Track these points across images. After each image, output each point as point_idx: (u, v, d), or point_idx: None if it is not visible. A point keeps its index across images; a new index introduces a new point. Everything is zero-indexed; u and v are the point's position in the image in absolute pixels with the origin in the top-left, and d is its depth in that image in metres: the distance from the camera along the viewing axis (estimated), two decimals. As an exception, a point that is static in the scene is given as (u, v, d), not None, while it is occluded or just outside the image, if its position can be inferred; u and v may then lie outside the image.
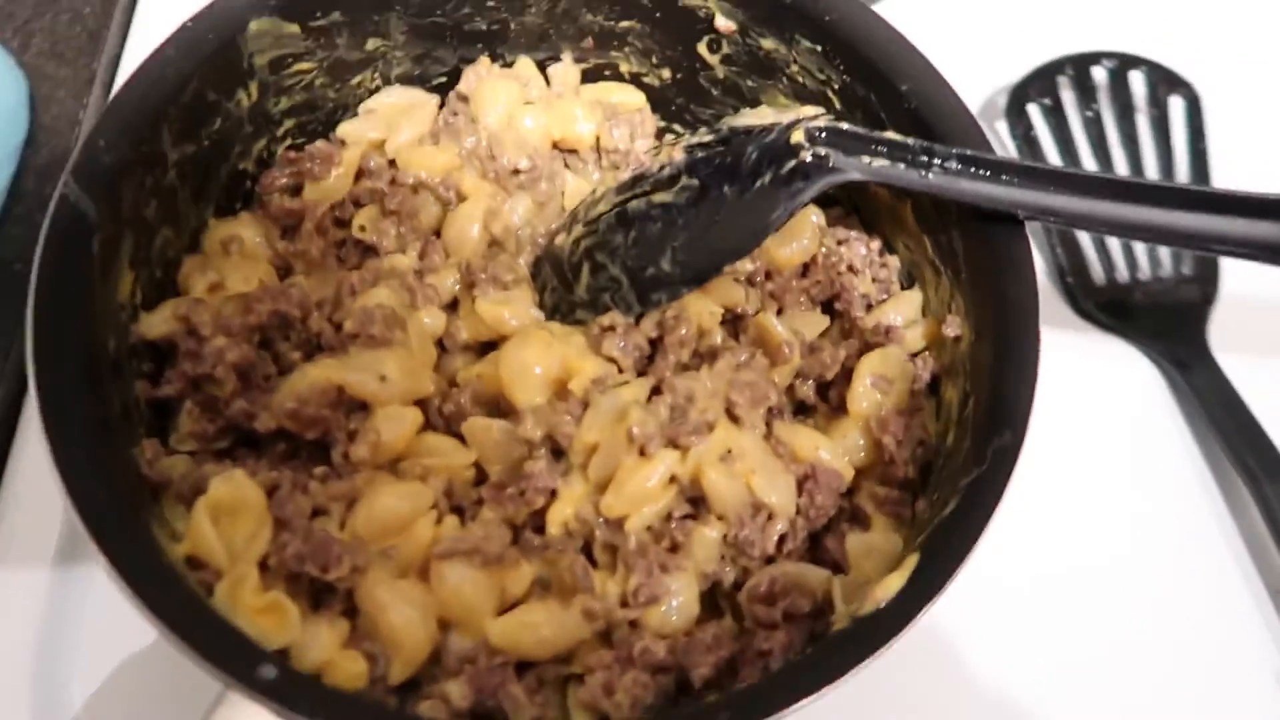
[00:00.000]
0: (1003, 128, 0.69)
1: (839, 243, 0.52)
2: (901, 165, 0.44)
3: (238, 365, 0.45)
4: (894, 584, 0.36)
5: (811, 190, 0.45)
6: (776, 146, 0.46)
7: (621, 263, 0.49)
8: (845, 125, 0.46)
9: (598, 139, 0.57)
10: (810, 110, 0.49)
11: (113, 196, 0.42)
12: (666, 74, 0.58)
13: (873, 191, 0.52)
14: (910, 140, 0.45)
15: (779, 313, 0.49)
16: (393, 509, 0.42)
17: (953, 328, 0.46)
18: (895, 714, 0.47)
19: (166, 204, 0.47)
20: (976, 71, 0.70)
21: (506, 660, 0.40)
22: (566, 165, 0.58)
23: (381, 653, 0.39)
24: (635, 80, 0.59)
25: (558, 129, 0.56)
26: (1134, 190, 0.42)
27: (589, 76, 0.59)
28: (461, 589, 0.40)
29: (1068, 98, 0.69)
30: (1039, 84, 0.70)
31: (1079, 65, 0.70)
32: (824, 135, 0.45)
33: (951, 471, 0.41)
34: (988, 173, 0.43)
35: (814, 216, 0.51)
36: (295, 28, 0.50)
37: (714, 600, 0.44)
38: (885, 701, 0.45)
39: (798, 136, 0.45)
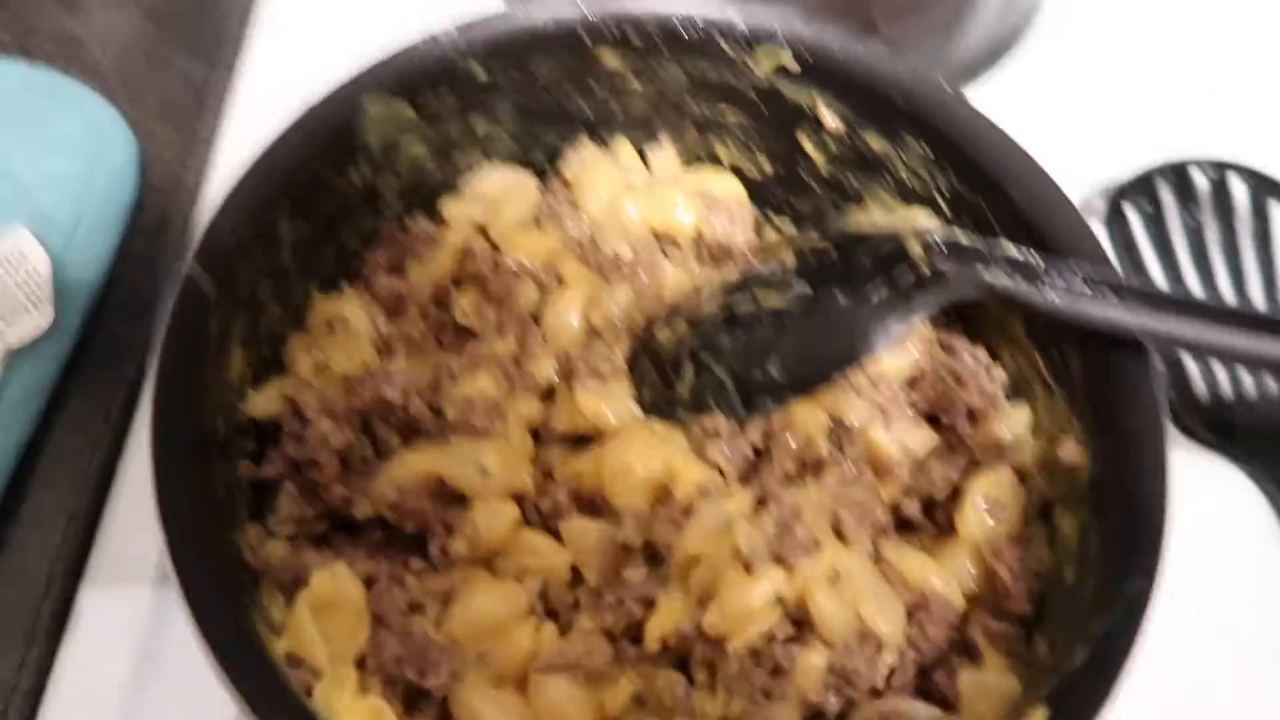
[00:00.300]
0: (1099, 230, 0.68)
1: (946, 350, 0.51)
2: (1022, 282, 0.43)
3: (339, 450, 0.44)
4: (1023, 739, 0.34)
5: (928, 305, 0.44)
6: (892, 257, 0.45)
7: (727, 365, 0.48)
8: (964, 239, 0.45)
9: (698, 230, 0.56)
10: (924, 217, 0.48)
11: (231, 278, 0.42)
12: (767, 166, 0.58)
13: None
14: (1031, 257, 0.44)
15: (885, 425, 0.48)
16: (489, 610, 0.41)
17: (1069, 453, 0.45)
18: None
19: (278, 282, 0.47)
20: (1072, 171, 0.69)
21: (601, 783, 0.38)
22: (665, 254, 0.57)
23: (474, 766, 0.38)
24: (734, 170, 0.59)
25: (658, 218, 0.56)
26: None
27: (687, 164, 0.59)
28: (561, 705, 0.39)
29: (1168, 204, 0.68)
30: (1138, 188, 0.69)
31: (1179, 171, 0.69)
32: (942, 248, 0.45)
33: (1075, 613, 0.39)
34: (1115, 296, 0.42)
35: (925, 327, 0.50)
36: (411, 110, 0.50)
37: (813, 727, 0.43)
38: None
39: (915, 248, 0.45)
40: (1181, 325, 0.41)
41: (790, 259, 0.49)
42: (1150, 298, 0.42)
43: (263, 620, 0.39)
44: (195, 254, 0.41)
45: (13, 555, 0.49)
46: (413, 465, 0.44)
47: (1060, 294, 0.42)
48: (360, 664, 0.39)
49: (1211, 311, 0.42)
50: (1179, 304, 0.42)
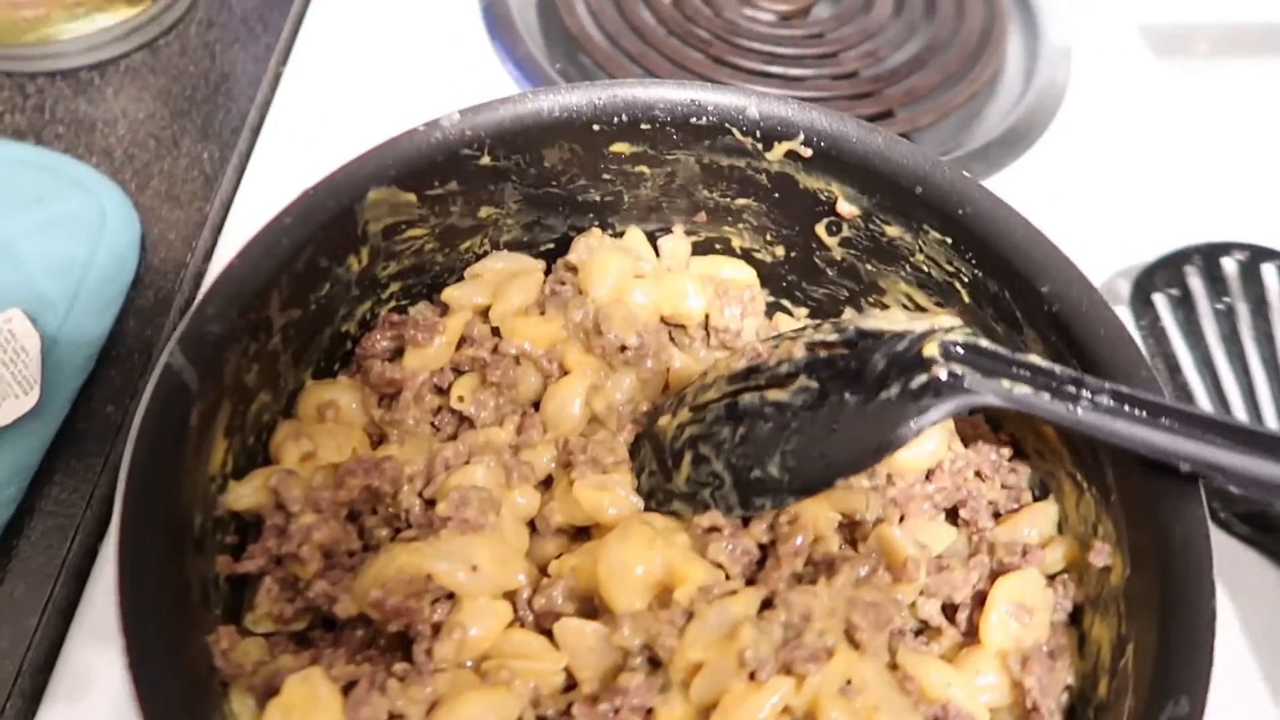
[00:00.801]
0: (1123, 314, 0.66)
1: (966, 444, 0.48)
2: (1046, 395, 0.40)
3: (323, 545, 0.42)
4: None
5: (942, 411, 0.41)
6: (907, 358, 0.42)
7: (726, 459, 0.45)
8: (985, 343, 0.42)
9: (707, 317, 0.55)
10: (946, 320, 0.45)
11: (216, 365, 0.41)
12: (780, 251, 0.57)
13: (1002, 391, 0.49)
14: (1057, 368, 0.41)
15: (900, 520, 0.45)
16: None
17: (1101, 556, 0.42)
18: None
19: (267, 368, 0.45)
20: (1095, 254, 0.68)
21: None
22: (673, 340, 0.56)
23: None
24: (746, 255, 0.58)
25: (667, 305, 0.54)
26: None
27: (699, 249, 0.58)
28: (547, 832, 0.35)
29: (1196, 288, 0.66)
30: (1165, 273, 0.67)
31: (1208, 255, 0.68)
32: (961, 351, 0.42)
33: (1109, 732, 0.36)
34: (1148, 415, 0.39)
35: (946, 421, 0.47)
36: (412, 196, 0.49)
37: None
38: None
39: (931, 350, 0.42)
40: (1221, 451, 0.38)
41: (801, 353, 0.46)
42: (1191, 418, 0.38)
43: (231, 729, 0.36)
44: (178, 340, 0.39)
45: None
46: (400, 562, 0.41)
47: (1086, 409, 0.39)
48: (334, 777, 0.36)
49: (1256, 438, 0.38)
50: (1219, 427, 0.38)
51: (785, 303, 0.59)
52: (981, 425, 0.50)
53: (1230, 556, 0.56)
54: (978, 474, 0.47)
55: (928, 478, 0.47)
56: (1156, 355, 0.64)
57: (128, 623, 0.33)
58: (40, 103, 0.69)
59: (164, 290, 0.62)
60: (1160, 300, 0.66)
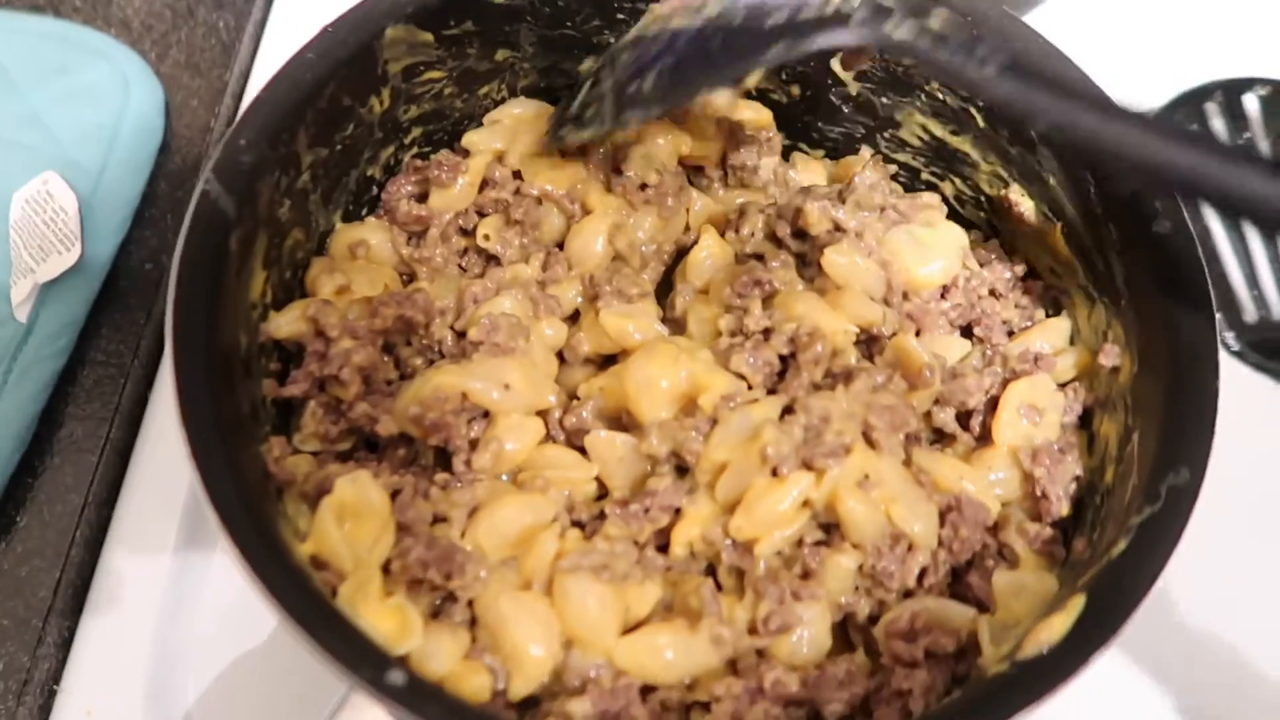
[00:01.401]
0: None
1: (981, 265, 0.49)
2: (925, 44, 0.40)
3: (362, 368, 0.44)
4: (1058, 626, 0.33)
5: (821, 40, 0.41)
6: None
7: (614, 79, 0.48)
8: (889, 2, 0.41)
9: (724, 155, 0.56)
10: None
11: (250, 195, 0.42)
12: (795, 90, 0.57)
13: (1017, 214, 0.50)
14: (945, 30, 0.40)
15: (917, 334, 0.47)
16: (515, 520, 0.41)
17: (1110, 358, 0.43)
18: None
19: (298, 205, 0.47)
20: (1115, 93, 0.67)
21: (630, 682, 0.38)
22: (691, 182, 0.56)
23: (501, 667, 0.38)
24: (761, 96, 0.58)
25: (685, 145, 0.55)
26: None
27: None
28: (586, 605, 0.38)
29: (1217, 126, 0.66)
30: (1185, 110, 0.66)
31: (1229, 92, 0.67)
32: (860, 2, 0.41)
33: (1116, 510, 0.38)
34: (1027, 82, 0.38)
35: (959, 237, 0.48)
36: (429, 36, 0.49)
37: (845, 634, 0.42)
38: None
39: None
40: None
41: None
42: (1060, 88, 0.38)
43: (288, 529, 0.39)
44: (213, 169, 0.41)
45: (51, 480, 0.51)
46: (435, 382, 0.43)
47: (963, 62, 0.39)
48: (385, 569, 0.39)
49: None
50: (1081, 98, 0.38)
51: (802, 145, 0.59)
52: (995, 248, 0.50)
53: (1240, 380, 0.57)
54: (992, 292, 0.48)
55: (943, 295, 0.48)
56: None
57: (189, 423, 0.35)
58: None
59: (191, 155, 0.63)
60: None
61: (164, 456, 0.51)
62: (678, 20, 0.47)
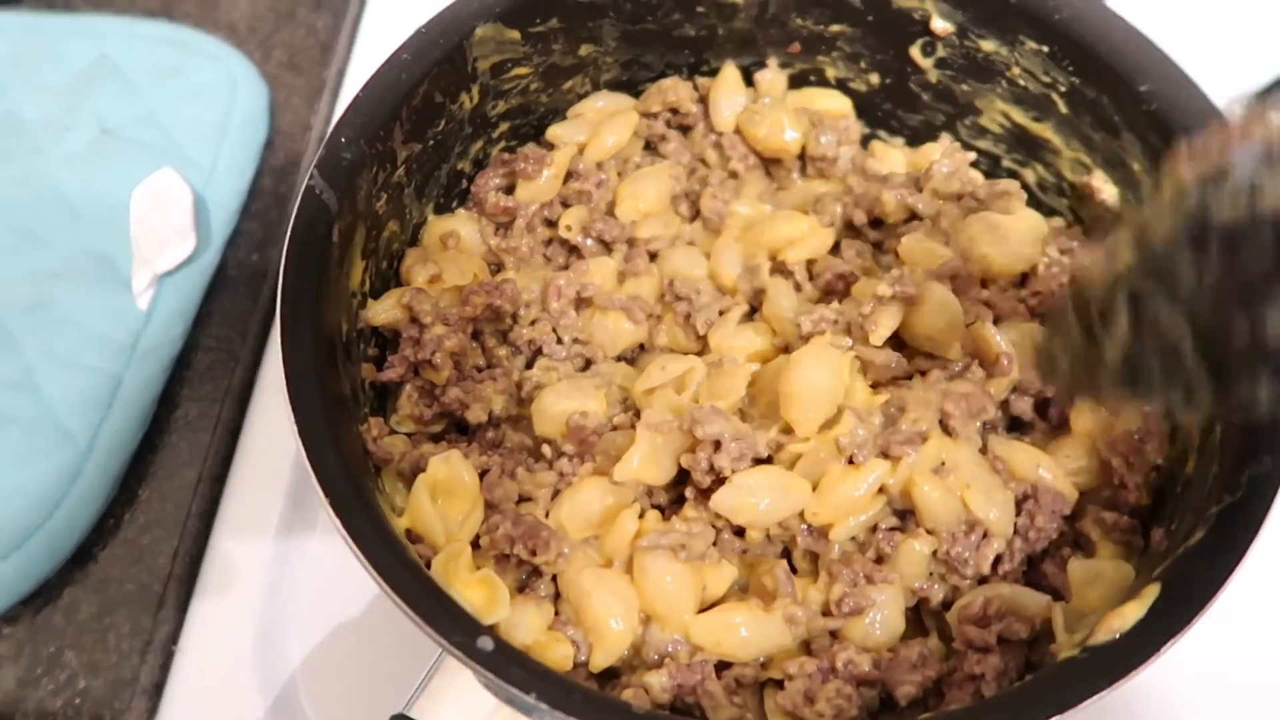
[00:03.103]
0: None
1: (1062, 253, 0.49)
2: None
3: (454, 353, 0.47)
4: (1132, 614, 0.34)
5: None
6: None
7: (1187, 313, 0.28)
8: None
9: (803, 149, 0.56)
10: None
11: (351, 189, 0.45)
12: (875, 79, 0.57)
13: (1100, 201, 0.49)
14: None
15: (996, 323, 0.47)
16: (596, 501, 0.43)
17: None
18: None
19: (394, 199, 0.49)
20: (1210, 77, 0.65)
21: (706, 659, 0.39)
22: (770, 175, 0.57)
23: (583, 640, 0.40)
24: (841, 86, 0.58)
25: (765, 139, 0.56)
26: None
27: (794, 82, 0.59)
28: (664, 583, 0.40)
29: None
30: None
31: None
32: None
33: (1195, 500, 0.37)
34: None
35: (1038, 224, 0.48)
36: (516, 34, 0.51)
37: (919, 619, 0.43)
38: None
39: None
40: None
41: None
42: None
43: (385, 504, 0.42)
44: (316, 164, 0.43)
45: (168, 456, 0.55)
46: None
47: None
48: (474, 544, 0.41)
49: None
50: None
51: (881, 133, 0.59)
52: (1078, 235, 0.50)
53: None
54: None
55: (1023, 283, 0.48)
56: None
57: (296, 401, 0.38)
58: None
59: (293, 151, 0.67)
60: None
61: (270, 436, 0.54)
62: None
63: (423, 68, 0.48)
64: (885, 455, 0.41)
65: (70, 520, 0.51)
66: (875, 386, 0.45)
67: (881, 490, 0.41)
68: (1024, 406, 0.45)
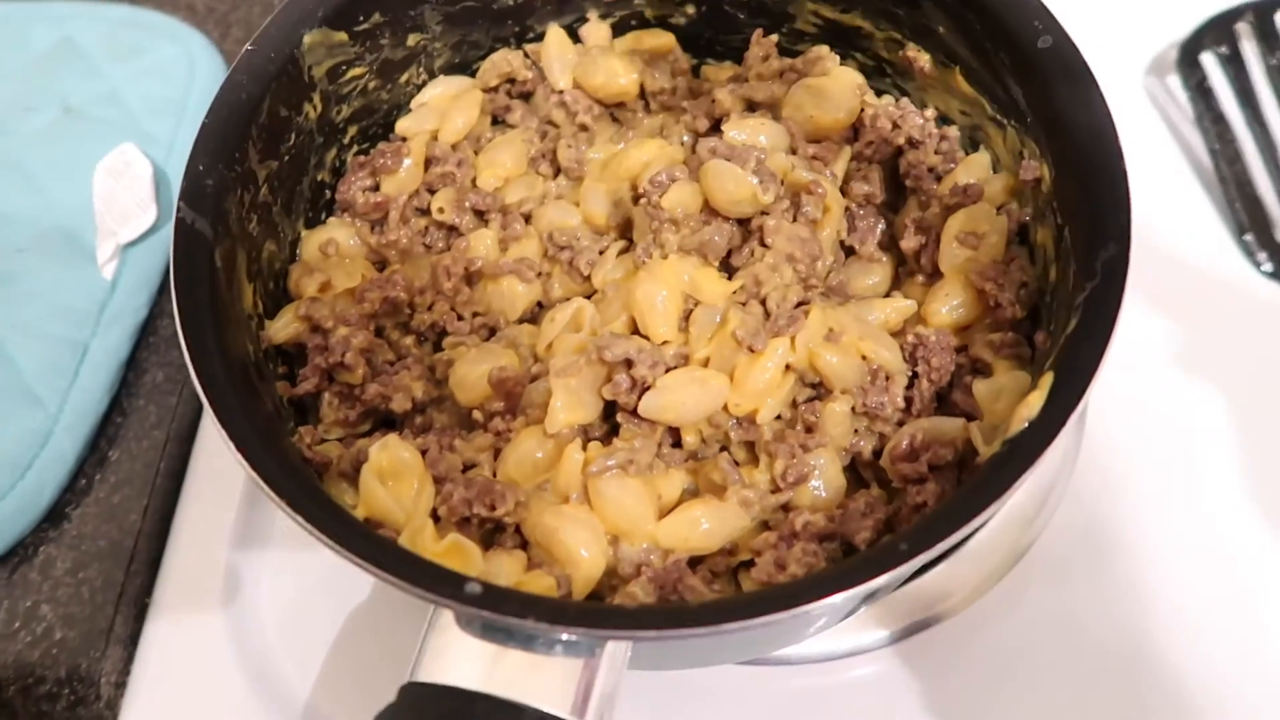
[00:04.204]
0: (1174, 83, 0.67)
1: (894, 123, 0.53)
2: None
3: (364, 350, 0.47)
4: (1036, 401, 0.37)
5: None
6: None
7: None
8: None
9: (642, 87, 0.59)
10: None
11: (221, 215, 0.45)
12: (690, 9, 0.60)
13: (919, 69, 0.53)
14: None
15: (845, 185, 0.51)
16: (538, 448, 0.44)
17: (1029, 171, 0.47)
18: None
19: (264, 219, 0.49)
20: (1142, 23, 0.69)
21: (678, 558, 0.41)
22: (615, 119, 0.60)
23: (561, 575, 0.41)
24: (661, 23, 0.61)
25: (603, 86, 0.58)
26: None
27: (617, 31, 0.61)
28: (622, 500, 0.42)
29: (1248, 48, 0.66)
30: (1215, 33, 0.66)
31: (1261, 11, 0.67)
32: None
33: (1063, 297, 0.42)
34: None
35: (853, 76, 0.53)
36: (343, 35, 0.52)
37: (857, 477, 0.46)
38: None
39: None
40: None
41: None
42: None
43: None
44: (181, 196, 0.43)
45: (137, 419, 0.59)
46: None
47: None
48: (434, 517, 0.42)
49: None
50: None
51: (709, 60, 0.62)
52: (906, 105, 0.54)
53: (1272, 301, 0.60)
54: (910, 143, 0.52)
55: (856, 136, 0.52)
56: (1204, 113, 0.64)
57: (229, 429, 0.38)
58: None
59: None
60: (1208, 59, 0.65)
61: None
62: None
63: (261, 85, 0.48)
64: (778, 336, 0.44)
65: (40, 481, 0.55)
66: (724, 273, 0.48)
67: (789, 369, 0.45)
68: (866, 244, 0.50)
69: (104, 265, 0.61)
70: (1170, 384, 0.57)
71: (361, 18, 0.53)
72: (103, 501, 0.56)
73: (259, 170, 0.48)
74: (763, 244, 0.47)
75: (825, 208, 0.48)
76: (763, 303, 0.46)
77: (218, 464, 0.56)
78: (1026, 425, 0.37)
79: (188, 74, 0.70)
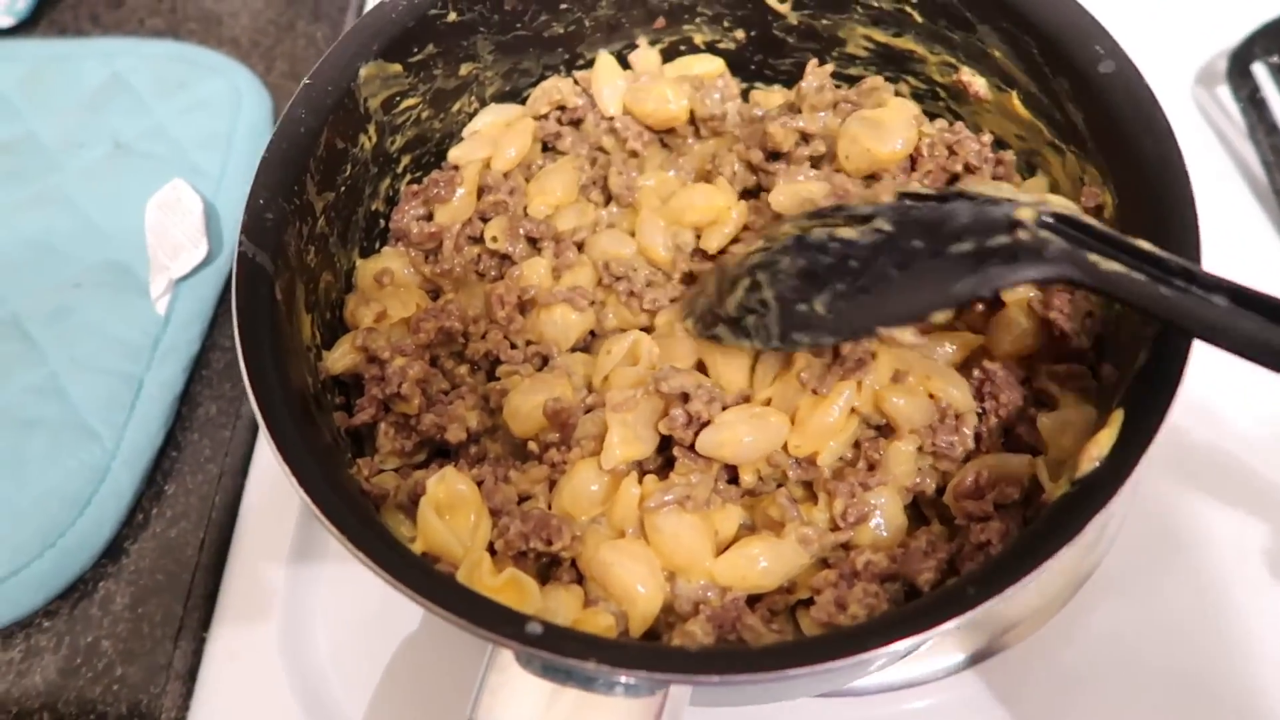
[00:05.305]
0: (1225, 93, 0.66)
1: (950, 149, 0.52)
2: (1143, 278, 0.35)
3: (420, 380, 0.47)
4: (1106, 440, 0.36)
5: (1013, 277, 0.37)
6: (993, 217, 0.38)
7: (777, 289, 0.43)
8: (1092, 221, 0.38)
9: (691, 114, 0.58)
10: (1060, 201, 0.42)
11: (280, 248, 0.45)
12: (740, 34, 0.60)
13: (973, 93, 0.53)
14: (1166, 255, 0.36)
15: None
16: (594, 480, 0.44)
17: (1091, 198, 0.46)
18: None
19: (322, 250, 0.50)
20: (1193, 32, 0.68)
21: (736, 596, 0.41)
22: (666, 145, 0.60)
23: (618, 610, 0.41)
24: (711, 48, 0.61)
25: (653, 113, 0.58)
26: None
27: (667, 56, 0.61)
28: (679, 535, 0.41)
29: None
30: (1266, 41, 0.65)
31: None
32: (1053, 221, 0.37)
33: (1130, 330, 0.41)
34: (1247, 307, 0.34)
35: (909, 107, 0.52)
36: (398, 66, 0.52)
37: (918, 512, 0.45)
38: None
39: (1025, 214, 0.38)
40: None
41: (888, 197, 0.44)
42: None
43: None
44: (242, 230, 0.44)
45: (192, 452, 0.59)
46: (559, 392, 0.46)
47: (1195, 303, 0.35)
48: (490, 550, 0.42)
49: None
50: None
51: (758, 85, 0.62)
52: (961, 129, 0.53)
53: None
54: (967, 168, 0.51)
55: (913, 167, 0.51)
56: (1257, 125, 0.63)
57: (287, 459, 0.38)
58: (174, 5, 0.80)
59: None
60: (1260, 69, 0.65)
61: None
62: (846, 230, 0.42)
63: (319, 118, 0.49)
64: (845, 379, 0.44)
65: (100, 516, 0.55)
66: None
67: (854, 411, 0.44)
68: None
69: (157, 300, 0.62)
70: (1233, 396, 0.56)
71: (416, 49, 0.53)
72: (160, 536, 0.56)
73: (316, 202, 0.49)
74: None
75: None
76: (833, 350, 0.45)
77: (272, 497, 0.56)
78: (1096, 465, 0.36)
79: (234, 108, 0.71)
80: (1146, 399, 0.36)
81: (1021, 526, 0.41)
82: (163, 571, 0.55)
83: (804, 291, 0.42)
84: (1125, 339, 0.42)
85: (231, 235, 0.64)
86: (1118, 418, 0.37)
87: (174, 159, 0.68)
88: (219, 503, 0.56)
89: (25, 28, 0.78)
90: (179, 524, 0.57)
